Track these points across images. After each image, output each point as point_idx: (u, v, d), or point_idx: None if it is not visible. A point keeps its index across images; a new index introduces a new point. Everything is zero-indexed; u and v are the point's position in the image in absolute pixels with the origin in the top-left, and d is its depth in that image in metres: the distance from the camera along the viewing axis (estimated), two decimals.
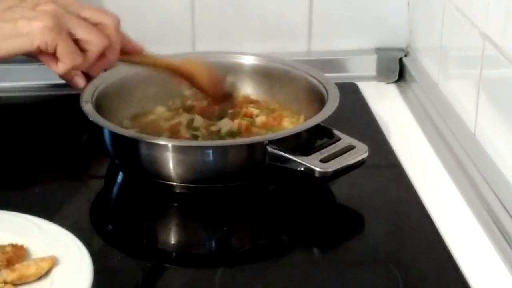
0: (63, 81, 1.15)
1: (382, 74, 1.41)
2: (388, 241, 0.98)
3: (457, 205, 1.04)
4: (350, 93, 1.33)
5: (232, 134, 1.12)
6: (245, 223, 1.03)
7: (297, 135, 1.04)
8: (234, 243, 1.00)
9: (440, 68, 1.26)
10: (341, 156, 1.00)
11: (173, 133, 1.12)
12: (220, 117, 1.16)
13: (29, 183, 1.09)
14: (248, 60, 1.24)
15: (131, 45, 1.12)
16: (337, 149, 1.01)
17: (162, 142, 1.04)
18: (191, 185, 1.05)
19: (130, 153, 1.05)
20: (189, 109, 1.18)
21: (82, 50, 1.05)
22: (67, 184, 1.11)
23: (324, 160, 0.98)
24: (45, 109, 1.29)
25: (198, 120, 1.14)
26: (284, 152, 1.00)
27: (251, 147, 1.03)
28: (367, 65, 1.41)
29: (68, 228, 0.91)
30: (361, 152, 1.01)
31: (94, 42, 1.05)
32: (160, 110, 1.20)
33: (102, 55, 1.06)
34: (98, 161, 1.15)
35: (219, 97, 1.19)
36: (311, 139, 1.07)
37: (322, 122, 1.06)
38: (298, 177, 1.02)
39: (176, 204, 1.06)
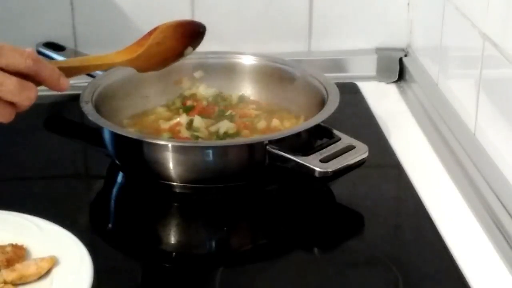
0: None
1: (382, 74, 1.41)
2: (388, 241, 0.98)
3: (457, 205, 1.04)
4: (350, 93, 1.33)
5: (232, 134, 1.12)
6: (245, 223, 1.03)
7: (297, 135, 1.04)
8: (234, 243, 1.00)
9: (440, 68, 1.26)
10: (341, 156, 1.00)
11: (173, 133, 1.12)
12: (220, 118, 1.16)
13: (29, 183, 1.09)
14: (248, 60, 1.25)
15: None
16: (337, 149, 1.01)
17: (162, 142, 1.04)
18: (191, 185, 1.05)
19: (130, 153, 1.05)
20: (189, 109, 1.18)
21: None
22: (67, 184, 1.11)
23: (324, 160, 0.98)
24: (45, 108, 1.29)
25: (198, 120, 1.14)
26: (284, 152, 1.00)
27: (251, 147, 1.03)
28: (367, 65, 1.41)
29: (68, 228, 0.91)
30: (361, 152, 1.01)
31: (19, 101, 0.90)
32: (160, 110, 1.20)
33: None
34: (98, 161, 1.15)
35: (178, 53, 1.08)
36: (311, 139, 1.07)
37: (322, 122, 1.06)
38: (298, 177, 1.02)
39: (176, 204, 1.06)
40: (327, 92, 1.13)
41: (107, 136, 1.07)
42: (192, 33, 1.07)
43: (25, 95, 0.89)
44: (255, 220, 1.03)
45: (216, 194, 1.05)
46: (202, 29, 1.08)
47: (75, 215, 1.01)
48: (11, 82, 0.87)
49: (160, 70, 1.06)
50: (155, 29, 1.03)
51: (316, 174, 0.97)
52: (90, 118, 1.06)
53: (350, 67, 1.41)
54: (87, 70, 1.03)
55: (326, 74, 1.19)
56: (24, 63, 0.88)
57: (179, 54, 1.07)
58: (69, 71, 0.95)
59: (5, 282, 0.84)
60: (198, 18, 1.35)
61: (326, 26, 1.41)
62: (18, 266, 0.85)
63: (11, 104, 0.89)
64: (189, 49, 1.07)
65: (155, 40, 1.02)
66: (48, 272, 0.85)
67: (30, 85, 0.89)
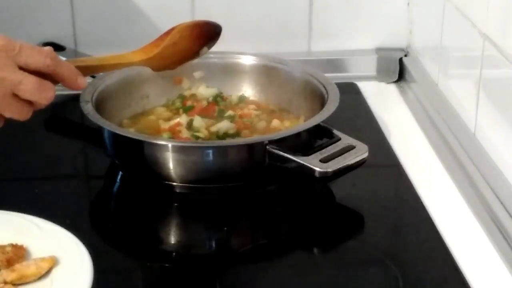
0: None
1: (382, 74, 1.41)
2: (388, 241, 0.98)
3: (457, 205, 1.04)
4: (350, 93, 1.33)
5: (232, 134, 1.12)
6: (245, 223, 1.03)
7: (297, 135, 1.04)
8: (234, 243, 1.00)
9: (440, 68, 1.26)
10: (341, 156, 1.00)
11: (173, 133, 1.12)
12: (220, 118, 1.16)
13: (29, 183, 1.09)
14: (248, 60, 1.25)
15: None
16: (337, 149, 1.01)
17: (162, 142, 1.04)
18: (191, 185, 1.05)
19: (130, 153, 1.05)
20: (189, 109, 1.18)
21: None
22: (67, 184, 1.11)
23: (324, 160, 0.98)
24: (45, 108, 1.28)
25: (198, 121, 1.14)
26: (284, 152, 1.00)
27: (251, 147, 1.03)
28: (367, 65, 1.41)
29: (68, 228, 0.91)
30: (361, 152, 1.01)
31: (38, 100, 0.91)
32: (160, 110, 1.20)
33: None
34: (98, 161, 1.15)
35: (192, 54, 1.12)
36: (311, 139, 1.07)
37: (322, 122, 1.06)
38: (298, 177, 1.02)
39: (176, 204, 1.06)
40: (327, 92, 1.13)
41: (107, 136, 1.07)
42: (208, 33, 1.10)
43: (44, 94, 0.90)
44: (255, 220, 1.03)
45: (216, 194, 1.05)
46: (218, 29, 1.11)
47: (75, 215, 1.01)
48: (30, 81, 0.88)
49: (175, 69, 1.10)
50: (172, 29, 1.06)
51: (316, 174, 0.97)
52: (90, 118, 1.06)
53: (350, 67, 1.41)
54: (104, 69, 1.05)
55: (326, 74, 1.19)
56: (43, 62, 0.90)
57: (195, 54, 1.10)
58: (86, 70, 0.97)
59: (5, 282, 0.84)
60: (198, 18, 1.36)
61: (326, 26, 1.41)
62: (18, 266, 0.85)
63: (29, 102, 0.90)
64: (205, 49, 1.11)
65: (171, 40, 1.05)
66: (48, 272, 0.85)
67: (49, 84, 0.91)
